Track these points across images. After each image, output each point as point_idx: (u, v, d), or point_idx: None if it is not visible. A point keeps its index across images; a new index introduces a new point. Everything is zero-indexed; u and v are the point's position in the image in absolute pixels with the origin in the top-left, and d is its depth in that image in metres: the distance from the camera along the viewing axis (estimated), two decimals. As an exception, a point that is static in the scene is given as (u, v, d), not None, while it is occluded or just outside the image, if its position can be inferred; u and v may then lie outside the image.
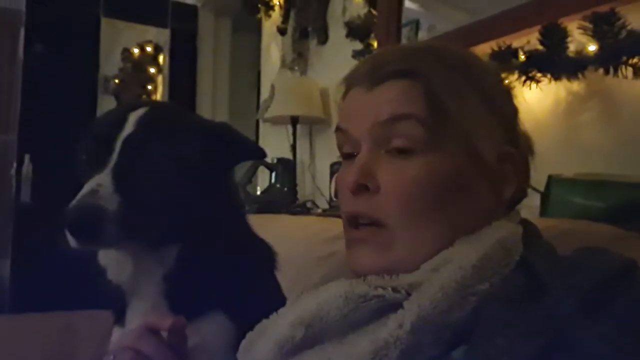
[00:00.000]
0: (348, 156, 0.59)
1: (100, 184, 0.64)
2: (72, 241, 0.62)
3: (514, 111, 0.60)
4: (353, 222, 0.57)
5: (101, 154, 0.66)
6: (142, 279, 0.69)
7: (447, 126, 0.53)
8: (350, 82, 0.60)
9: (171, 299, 0.70)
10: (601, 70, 1.12)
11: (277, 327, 0.53)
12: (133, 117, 0.68)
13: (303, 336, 0.50)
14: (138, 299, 0.71)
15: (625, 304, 0.42)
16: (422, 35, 1.72)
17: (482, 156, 0.54)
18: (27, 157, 2.77)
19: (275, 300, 0.75)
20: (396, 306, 0.48)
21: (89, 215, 0.62)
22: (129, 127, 0.67)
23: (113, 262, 0.70)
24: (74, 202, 0.62)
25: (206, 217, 0.70)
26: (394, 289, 0.49)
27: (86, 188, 0.63)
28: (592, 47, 1.13)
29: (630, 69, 1.08)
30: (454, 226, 0.53)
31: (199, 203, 0.70)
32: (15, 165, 2.80)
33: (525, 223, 0.57)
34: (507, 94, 0.60)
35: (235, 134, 0.77)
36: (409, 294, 0.49)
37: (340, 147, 0.60)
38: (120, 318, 0.73)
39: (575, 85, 1.22)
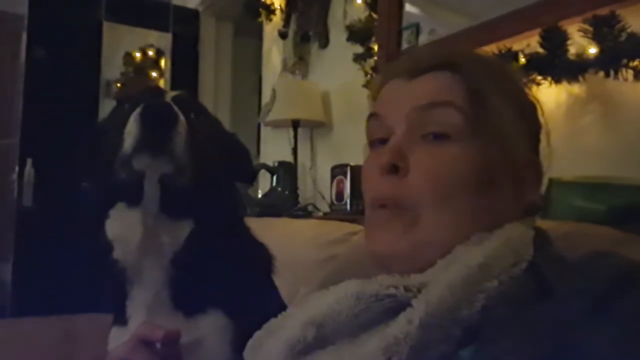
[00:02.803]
0: (379, 142, 0.59)
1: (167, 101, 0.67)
2: (134, 140, 0.62)
3: (538, 124, 0.61)
4: (379, 204, 0.57)
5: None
6: (149, 258, 0.69)
7: (485, 119, 0.54)
8: (389, 75, 0.62)
9: (174, 289, 0.70)
10: (602, 73, 1.13)
11: (287, 327, 0.53)
12: (169, 95, 0.72)
13: (315, 336, 0.50)
14: (140, 288, 0.71)
15: (632, 309, 0.42)
16: (423, 38, 1.72)
17: (513, 156, 0.56)
18: (29, 161, 2.78)
19: (272, 301, 0.76)
20: (407, 305, 0.48)
21: (169, 111, 0.64)
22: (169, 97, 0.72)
23: (123, 234, 0.69)
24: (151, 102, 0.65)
25: (216, 205, 0.72)
26: (406, 288, 0.50)
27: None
28: (593, 50, 1.13)
29: (630, 72, 1.08)
30: (477, 216, 0.54)
31: (213, 186, 0.71)
32: (17, 169, 2.80)
33: (538, 229, 0.58)
34: (532, 105, 0.61)
35: (245, 150, 0.81)
36: (420, 292, 0.49)
37: (370, 134, 0.62)
38: (119, 316, 0.73)
39: (576, 88, 1.22)
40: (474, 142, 0.54)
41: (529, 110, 0.60)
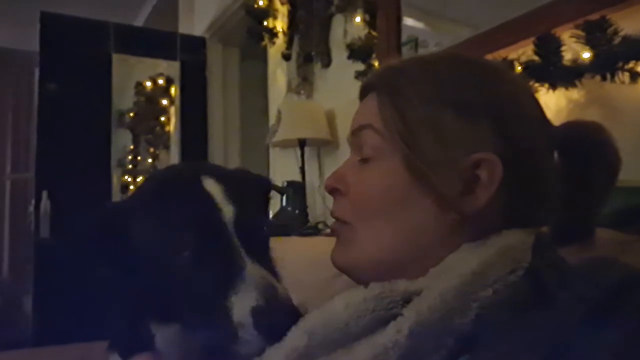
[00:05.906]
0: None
1: (270, 281, 0.55)
2: (251, 336, 0.53)
3: (514, 113, 0.56)
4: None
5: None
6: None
7: (394, 136, 0.56)
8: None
9: None
10: (598, 77, 1.13)
11: (286, 337, 0.52)
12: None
13: (306, 344, 0.49)
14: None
15: (631, 316, 0.42)
16: (422, 52, 1.74)
17: (421, 168, 0.54)
18: (44, 194, 2.83)
19: None
20: (398, 314, 0.48)
21: (283, 309, 0.54)
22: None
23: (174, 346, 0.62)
24: (260, 299, 0.53)
25: None
26: (396, 296, 0.49)
27: (260, 279, 0.55)
28: (587, 55, 1.14)
29: (627, 74, 1.09)
30: (408, 230, 0.55)
31: None
32: (33, 201, 2.86)
33: (539, 234, 0.56)
34: (505, 96, 0.57)
35: None
36: (412, 301, 0.49)
37: None
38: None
39: (575, 93, 1.23)
40: (388, 162, 0.56)
41: (485, 104, 0.55)
